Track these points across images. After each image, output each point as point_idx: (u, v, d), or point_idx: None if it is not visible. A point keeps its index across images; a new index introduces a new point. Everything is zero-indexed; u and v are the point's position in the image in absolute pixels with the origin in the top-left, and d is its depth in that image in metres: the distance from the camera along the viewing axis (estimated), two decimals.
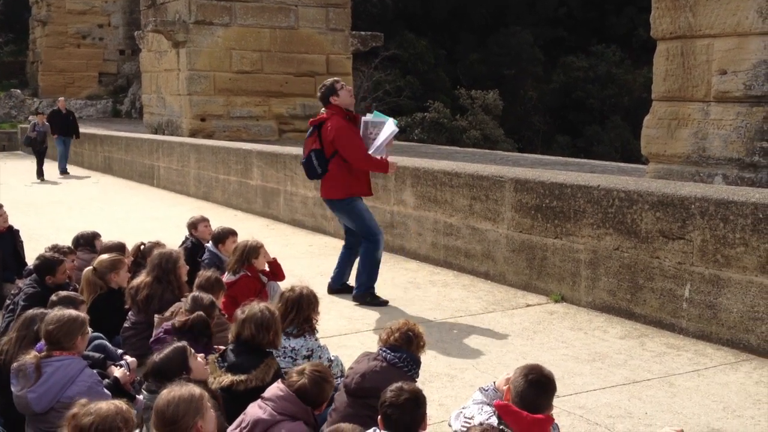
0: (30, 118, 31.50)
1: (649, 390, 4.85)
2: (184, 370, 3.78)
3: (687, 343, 5.70)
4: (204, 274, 5.26)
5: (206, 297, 4.68)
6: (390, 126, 6.79)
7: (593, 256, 6.59)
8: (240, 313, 4.11)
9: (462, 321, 6.41)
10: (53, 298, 4.77)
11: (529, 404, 3.15)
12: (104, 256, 5.79)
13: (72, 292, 5.12)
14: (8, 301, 5.84)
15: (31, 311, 4.35)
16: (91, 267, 5.75)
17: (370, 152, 6.75)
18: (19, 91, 34.61)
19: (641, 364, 5.31)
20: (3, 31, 33.73)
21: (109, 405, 2.98)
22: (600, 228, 6.50)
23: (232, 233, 6.72)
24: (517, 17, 36.59)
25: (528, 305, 6.83)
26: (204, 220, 7.33)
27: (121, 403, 3.03)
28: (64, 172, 19.45)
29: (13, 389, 3.88)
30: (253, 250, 5.93)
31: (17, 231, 7.69)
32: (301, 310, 4.49)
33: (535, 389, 3.18)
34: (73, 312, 4.16)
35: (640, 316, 6.20)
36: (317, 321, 4.67)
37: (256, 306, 4.12)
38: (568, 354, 5.54)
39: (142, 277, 5.40)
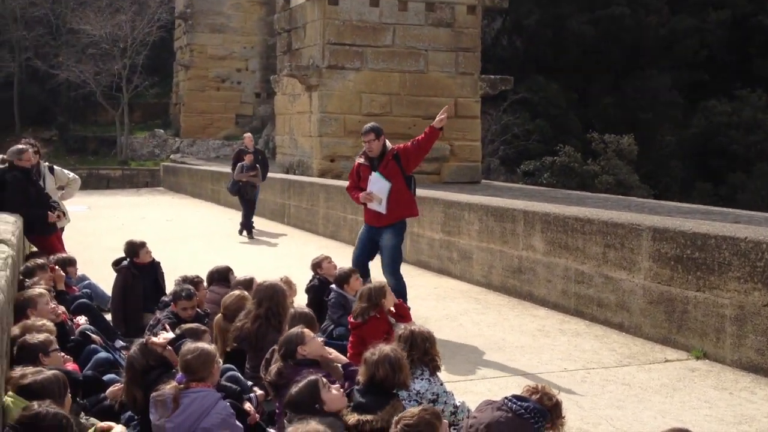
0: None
1: None
2: (316, 403, 3.88)
3: None
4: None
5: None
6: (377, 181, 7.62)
7: (740, 312, 6.16)
8: (371, 355, 4.12)
9: (594, 373, 6.13)
10: (177, 331, 5.07)
11: None
12: (229, 300, 5.92)
13: (195, 324, 5.35)
14: (147, 333, 6.10)
15: (131, 353, 4.53)
16: (220, 314, 5.91)
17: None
18: (162, 131, 36.81)
19: None
20: (149, 75, 36.03)
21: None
22: (747, 282, 6.09)
23: (354, 271, 6.91)
24: (653, 60, 35.54)
25: (667, 360, 6.46)
26: (326, 258, 7.45)
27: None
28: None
29: (151, 417, 4.02)
30: (380, 291, 5.93)
31: (158, 263, 8.05)
32: (416, 347, 4.50)
33: None
34: (206, 345, 4.33)
35: None
36: (440, 359, 4.62)
37: (386, 347, 4.16)
38: (712, 415, 5.17)
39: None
